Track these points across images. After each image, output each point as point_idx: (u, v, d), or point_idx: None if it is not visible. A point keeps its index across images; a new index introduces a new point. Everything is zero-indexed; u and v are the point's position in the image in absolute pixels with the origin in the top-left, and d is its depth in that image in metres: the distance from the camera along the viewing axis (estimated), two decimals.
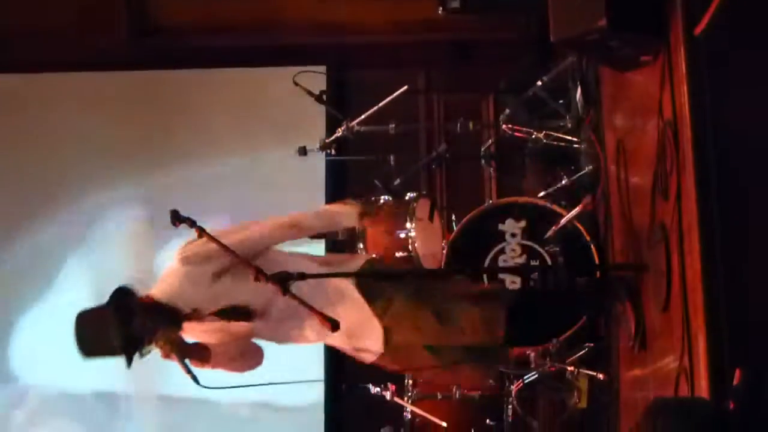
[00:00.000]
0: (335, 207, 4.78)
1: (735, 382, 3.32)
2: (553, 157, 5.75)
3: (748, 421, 3.03)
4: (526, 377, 5.46)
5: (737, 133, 4.27)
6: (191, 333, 4.50)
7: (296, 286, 4.24)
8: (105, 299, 4.33)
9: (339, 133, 5.84)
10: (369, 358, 4.62)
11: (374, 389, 5.58)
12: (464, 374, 4.91)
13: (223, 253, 4.35)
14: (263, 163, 6.99)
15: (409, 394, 5.55)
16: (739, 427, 2.97)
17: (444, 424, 5.43)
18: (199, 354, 4.47)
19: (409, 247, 5.54)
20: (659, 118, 4.58)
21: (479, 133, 6.19)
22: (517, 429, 5.62)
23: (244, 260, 4.34)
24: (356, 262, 4.72)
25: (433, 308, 4.55)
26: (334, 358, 6.53)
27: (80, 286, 6.92)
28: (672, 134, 4.42)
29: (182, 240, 4.50)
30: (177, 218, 4.39)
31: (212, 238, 4.41)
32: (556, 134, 5.68)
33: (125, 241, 7.04)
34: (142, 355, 4.32)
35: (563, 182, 5.58)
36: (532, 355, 5.32)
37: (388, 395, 5.52)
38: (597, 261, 5.23)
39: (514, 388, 5.51)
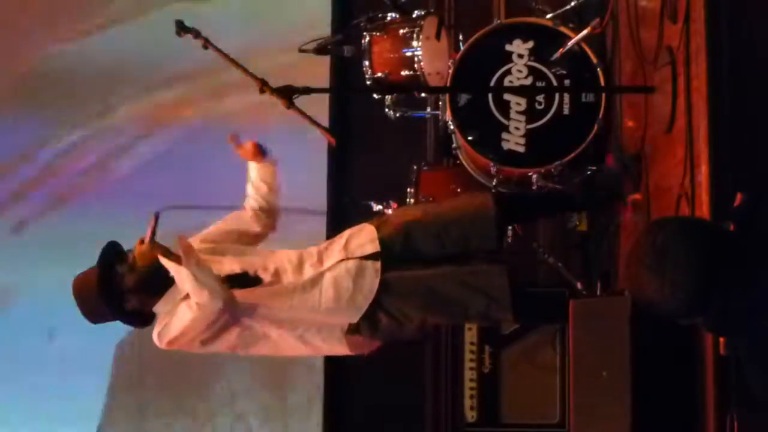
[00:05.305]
0: None
1: (735, 204, 3.33)
2: None
3: (747, 242, 3.05)
4: None
5: None
6: None
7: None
8: None
9: None
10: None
11: (376, 207, 5.62)
12: None
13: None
14: None
15: None
16: (738, 247, 2.99)
17: None
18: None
19: (415, 65, 5.52)
20: None
21: None
22: (518, 249, 5.67)
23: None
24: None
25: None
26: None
27: None
28: None
29: None
30: (182, 28, 4.38)
31: (217, 50, 4.41)
32: None
33: None
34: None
35: (572, 4, 5.51)
36: (534, 176, 5.33)
37: (390, 212, 5.55)
38: (603, 83, 5.21)
39: None
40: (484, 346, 5.63)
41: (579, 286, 5.27)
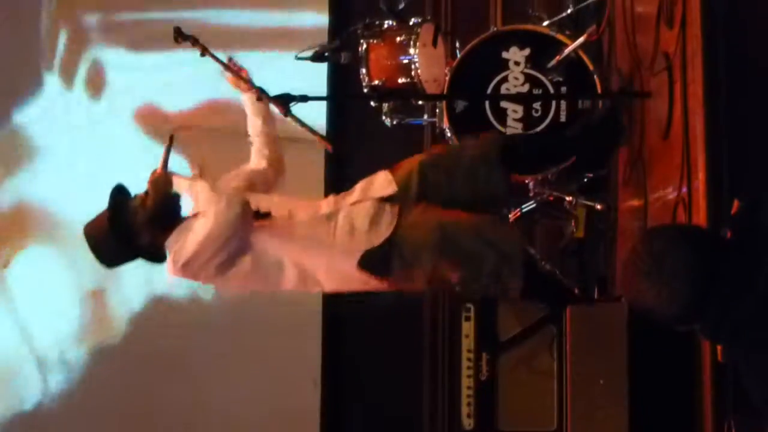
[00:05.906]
0: None
1: (733, 211, 3.33)
2: None
3: (745, 249, 3.05)
4: (523, 206, 5.49)
5: None
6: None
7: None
8: None
9: None
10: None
11: None
12: None
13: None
14: None
15: None
16: (735, 255, 2.99)
17: None
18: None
19: (412, 72, 5.53)
20: None
21: None
22: None
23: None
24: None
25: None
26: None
27: None
28: None
29: None
30: (180, 35, 4.39)
31: (215, 58, 4.41)
32: None
33: None
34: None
35: (569, 11, 5.52)
36: (531, 183, 5.34)
37: None
38: (600, 90, 5.21)
39: (511, 216, 5.54)
40: (481, 353, 5.61)
41: (576, 292, 5.27)
